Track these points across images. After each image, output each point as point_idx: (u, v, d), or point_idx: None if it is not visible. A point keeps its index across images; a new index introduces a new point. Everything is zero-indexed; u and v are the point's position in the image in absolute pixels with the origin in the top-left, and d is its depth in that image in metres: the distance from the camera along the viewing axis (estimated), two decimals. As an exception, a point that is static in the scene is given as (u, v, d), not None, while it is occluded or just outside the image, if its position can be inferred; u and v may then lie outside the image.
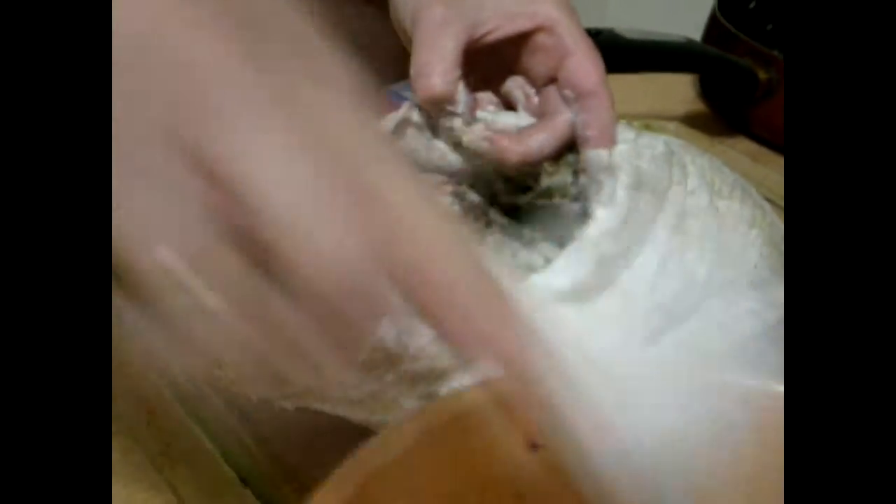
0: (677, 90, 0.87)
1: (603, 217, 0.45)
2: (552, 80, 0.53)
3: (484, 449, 0.32)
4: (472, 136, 0.50)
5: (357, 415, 0.43)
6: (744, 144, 0.82)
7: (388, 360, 0.42)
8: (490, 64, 0.55)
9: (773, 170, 0.64)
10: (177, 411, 0.41)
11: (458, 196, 0.54)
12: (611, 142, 0.50)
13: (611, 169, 0.47)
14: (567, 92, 0.52)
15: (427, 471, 0.31)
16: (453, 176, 0.54)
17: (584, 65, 0.51)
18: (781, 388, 0.33)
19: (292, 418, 0.45)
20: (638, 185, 0.47)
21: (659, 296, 0.47)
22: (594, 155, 0.48)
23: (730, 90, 0.82)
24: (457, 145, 0.52)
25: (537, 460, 0.32)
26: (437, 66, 0.49)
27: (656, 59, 0.77)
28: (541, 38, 0.52)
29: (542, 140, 0.51)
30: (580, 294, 0.45)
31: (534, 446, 0.32)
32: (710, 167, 0.55)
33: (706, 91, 0.85)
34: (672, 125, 0.67)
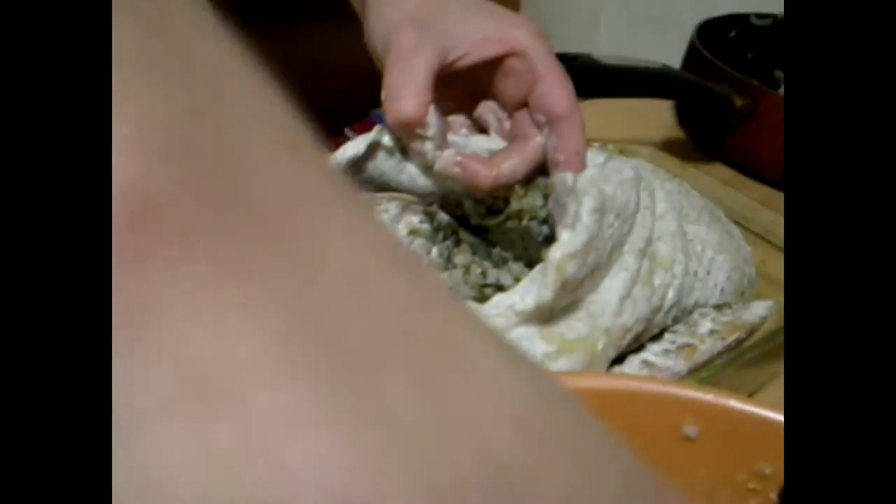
0: (654, 116, 0.89)
1: (567, 240, 0.45)
2: (524, 104, 0.54)
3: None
4: (444, 161, 0.51)
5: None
6: (719, 170, 0.82)
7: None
8: (462, 88, 0.56)
9: (743, 193, 0.66)
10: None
11: (429, 216, 0.54)
12: (581, 165, 0.50)
13: (575, 193, 0.47)
14: (538, 116, 0.52)
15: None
16: (424, 197, 0.54)
17: (555, 89, 0.52)
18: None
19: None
20: (603, 209, 0.48)
21: (625, 318, 0.48)
22: (559, 179, 0.48)
23: (706, 116, 0.83)
24: (427, 168, 0.52)
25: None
26: (407, 89, 0.50)
27: (633, 84, 0.78)
28: (512, 63, 0.53)
29: (513, 164, 0.51)
30: (545, 315, 0.45)
31: None
32: (679, 191, 0.56)
33: (683, 117, 0.86)
34: (647, 150, 0.69)
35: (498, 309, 0.45)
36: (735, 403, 0.34)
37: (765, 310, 0.52)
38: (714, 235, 0.56)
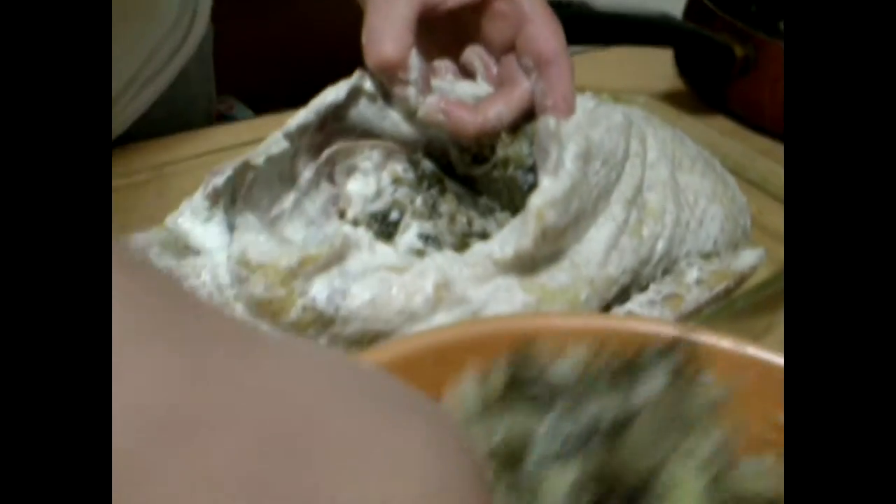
0: (654, 67, 0.86)
1: (548, 187, 0.44)
2: (511, 48, 0.52)
3: (444, 394, 0.31)
4: (428, 108, 0.49)
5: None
6: (720, 122, 0.80)
7: (319, 321, 0.41)
8: (449, 32, 0.54)
9: (740, 143, 0.63)
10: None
11: (413, 164, 0.53)
12: (569, 110, 0.49)
13: (558, 138, 0.45)
14: (526, 60, 0.51)
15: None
16: (407, 145, 0.53)
17: (543, 32, 0.50)
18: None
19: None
20: (588, 155, 0.46)
21: (611, 269, 0.46)
22: (542, 123, 0.47)
23: (706, 67, 0.81)
24: (411, 115, 0.51)
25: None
26: (387, 31, 0.48)
27: (629, 31, 0.76)
28: (499, 6, 0.51)
29: (499, 111, 0.50)
30: (525, 265, 0.44)
31: None
32: (672, 139, 0.54)
33: (682, 67, 0.84)
34: (642, 98, 0.66)
35: (475, 258, 0.43)
36: (753, 351, 0.33)
37: (755, 258, 0.50)
38: (708, 185, 0.54)
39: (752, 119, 0.80)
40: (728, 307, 0.48)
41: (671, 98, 0.82)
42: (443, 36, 0.54)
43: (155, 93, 0.72)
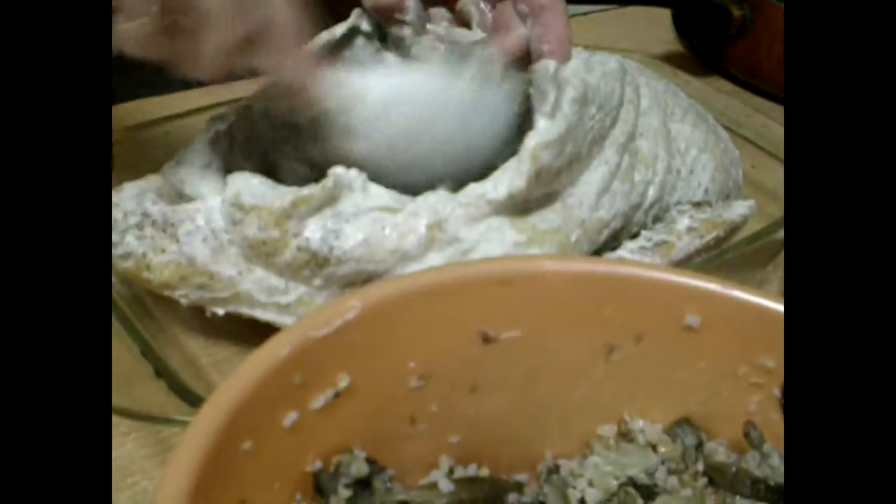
0: (653, 28, 0.86)
1: (543, 128, 0.44)
2: None
3: (433, 337, 0.31)
4: (421, 47, 0.49)
5: (285, 321, 0.43)
6: (718, 83, 0.81)
7: (313, 262, 0.41)
8: None
9: (736, 100, 0.63)
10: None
11: None
12: (566, 55, 0.48)
13: (556, 80, 0.45)
14: (521, 6, 0.50)
15: (369, 346, 0.30)
16: None
17: None
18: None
19: (221, 326, 0.45)
20: (585, 99, 0.46)
21: (602, 213, 0.46)
22: (541, 66, 0.47)
23: (703, 27, 0.81)
24: (405, 57, 0.51)
25: (491, 353, 0.32)
26: None
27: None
28: None
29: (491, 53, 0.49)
30: (518, 206, 0.44)
31: (486, 339, 0.32)
32: (665, 90, 0.54)
33: (680, 28, 0.84)
34: (637, 56, 0.66)
35: (469, 198, 0.43)
36: (739, 294, 0.33)
37: (746, 209, 0.51)
38: (699, 135, 0.54)
39: (748, 79, 0.81)
40: (718, 257, 0.48)
41: (669, 59, 0.82)
42: None
43: None
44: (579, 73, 0.47)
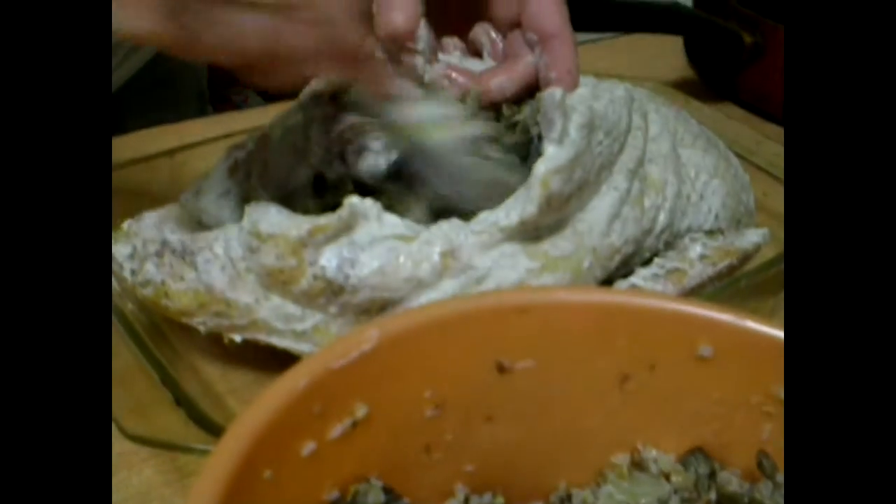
0: (664, 55, 0.87)
1: (552, 155, 0.44)
2: (517, 24, 0.52)
3: (448, 367, 0.32)
4: (433, 73, 0.50)
5: (302, 347, 0.43)
6: (730, 110, 0.81)
7: (329, 290, 0.42)
8: (458, 9, 0.55)
9: (747, 127, 0.64)
10: (115, 331, 0.41)
11: None
12: (573, 84, 0.49)
13: (563, 107, 0.46)
14: (530, 35, 0.51)
15: (386, 376, 0.30)
16: None
17: (547, 7, 0.51)
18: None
19: (238, 353, 0.45)
20: (592, 125, 0.46)
21: (614, 239, 0.47)
22: (548, 94, 0.47)
23: (715, 54, 0.82)
24: (417, 84, 0.51)
25: (506, 382, 0.32)
26: (398, 1, 0.48)
27: (639, 19, 0.76)
28: None
29: (501, 81, 0.50)
30: (529, 232, 0.44)
31: (501, 368, 0.32)
32: (675, 117, 0.55)
33: (692, 55, 0.85)
34: (649, 84, 0.66)
35: (482, 226, 0.44)
36: (752, 324, 0.33)
37: (759, 237, 0.51)
38: (709, 161, 0.55)
39: (761, 106, 0.81)
40: (731, 286, 0.48)
41: (680, 86, 0.82)
42: (452, 13, 0.54)
43: (140, 60, 0.73)
44: (586, 99, 0.48)
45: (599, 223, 0.46)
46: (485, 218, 0.44)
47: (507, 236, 0.43)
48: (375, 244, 0.42)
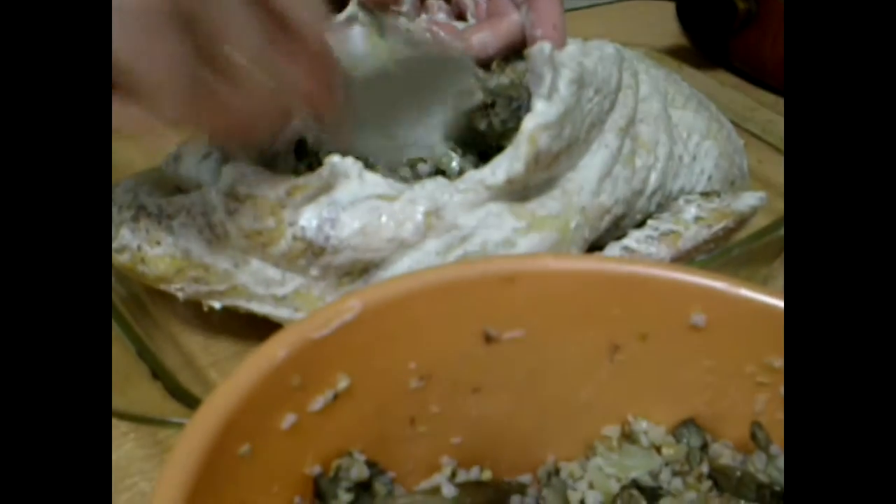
0: (656, 22, 0.86)
1: (541, 111, 0.43)
2: None
3: (434, 337, 0.31)
4: (416, 28, 0.49)
5: (282, 312, 0.42)
6: (722, 77, 0.80)
7: (309, 251, 0.41)
8: None
9: (741, 93, 0.63)
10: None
11: None
12: (560, 40, 0.48)
13: (552, 63, 0.45)
14: None
15: (369, 347, 0.30)
16: None
17: None
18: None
19: (220, 324, 0.44)
20: (582, 81, 0.45)
21: (604, 198, 0.46)
22: (536, 49, 0.46)
23: (708, 19, 0.80)
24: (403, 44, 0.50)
25: (493, 353, 0.32)
26: None
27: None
28: None
29: (483, 37, 0.49)
30: (517, 191, 0.43)
31: (488, 338, 0.31)
32: (665, 78, 0.54)
33: (684, 21, 0.83)
34: (642, 50, 0.65)
35: (467, 184, 0.42)
36: (746, 292, 0.32)
37: (756, 200, 0.50)
38: (701, 122, 0.54)
39: (753, 73, 0.80)
40: (724, 254, 0.47)
41: (673, 52, 0.81)
42: None
43: None
44: (575, 56, 0.47)
45: (589, 182, 0.45)
46: (471, 176, 0.42)
47: (493, 195, 0.42)
48: (357, 204, 0.41)
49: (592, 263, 0.33)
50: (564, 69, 0.45)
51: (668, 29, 0.85)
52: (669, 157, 0.50)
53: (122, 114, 0.33)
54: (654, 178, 0.49)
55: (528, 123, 0.43)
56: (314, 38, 0.38)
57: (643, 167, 0.48)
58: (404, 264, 0.41)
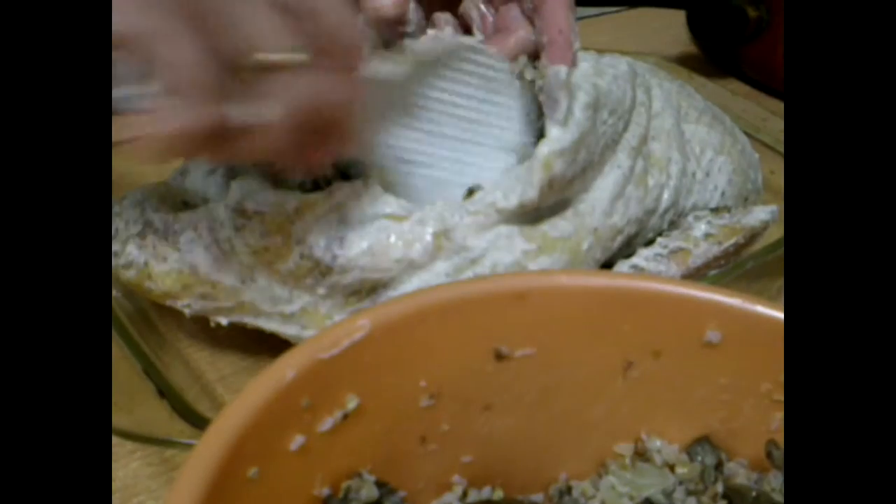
0: (667, 30, 0.85)
1: (556, 137, 0.43)
2: None
3: (444, 355, 0.31)
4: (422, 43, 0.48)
5: (289, 330, 0.42)
6: (733, 85, 0.80)
7: (316, 270, 0.40)
8: None
9: (753, 103, 0.62)
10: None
11: None
12: (565, 46, 0.46)
13: (568, 87, 0.44)
14: (527, 3, 0.49)
15: (378, 366, 0.29)
16: None
17: None
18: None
19: (227, 340, 0.44)
20: (597, 104, 0.45)
21: (616, 219, 0.45)
22: (553, 72, 0.45)
23: (719, 28, 0.80)
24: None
25: (504, 370, 0.31)
26: None
27: (643, -7, 0.75)
28: None
29: None
30: (529, 215, 0.43)
31: (499, 356, 0.31)
32: (679, 92, 0.53)
33: (695, 30, 0.83)
34: (652, 59, 0.65)
35: (478, 206, 0.42)
36: (762, 308, 0.32)
37: (768, 214, 0.49)
38: (715, 137, 0.53)
39: (764, 81, 0.80)
40: (737, 267, 0.47)
41: (683, 61, 0.81)
42: None
43: None
44: (589, 77, 0.46)
45: (602, 203, 0.45)
46: (481, 198, 0.42)
47: (504, 218, 0.42)
48: (366, 223, 0.41)
49: (605, 280, 0.33)
50: (580, 92, 0.44)
51: (679, 37, 0.85)
52: (682, 174, 0.49)
53: (126, 124, 0.32)
54: (666, 196, 0.48)
55: (543, 149, 0.42)
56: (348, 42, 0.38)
57: (656, 186, 0.48)
58: (413, 285, 0.41)
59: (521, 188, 0.42)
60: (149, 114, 0.33)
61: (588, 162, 0.44)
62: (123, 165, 0.53)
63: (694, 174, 0.50)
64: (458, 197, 0.44)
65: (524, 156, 0.45)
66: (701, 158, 0.51)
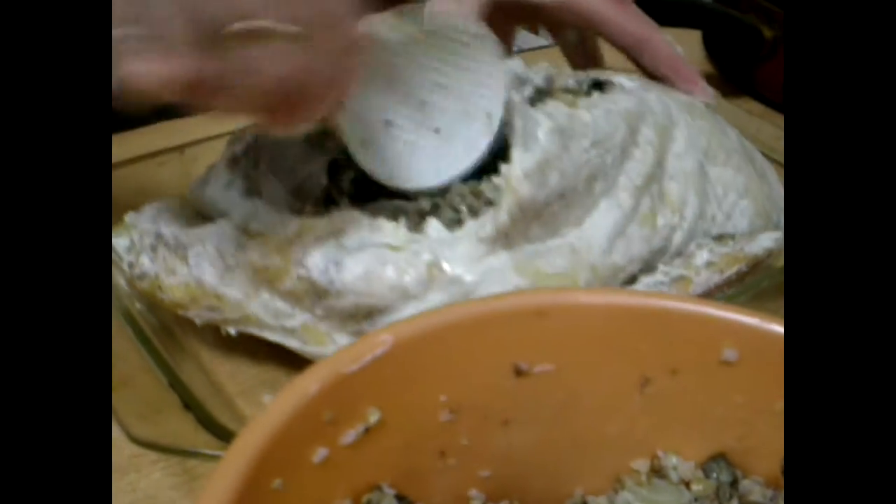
0: (683, 49, 0.85)
1: (517, 159, 0.43)
2: None
3: (464, 370, 0.31)
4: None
5: (292, 343, 0.43)
6: (748, 105, 0.80)
7: (313, 292, 0.41)
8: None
9: (769, 123, 0.62)
10: (123, 333, 0.41)
11: None
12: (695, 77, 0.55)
13: (521, 111, 0.45)
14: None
15: (400, 380, 0.30)
16: None
17: None
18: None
19: (248, 352, 0.45)
20: (570, 131, 0.45)
21: (616, 258, 0.45)
22: (510, 100, 0.46)
23: (734, 48, 0.80)
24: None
25: (523, 386, 0.32)
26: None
27: (657, 13, 0.75)
28: None
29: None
30: (512, 242, 0.43)
31: (519, 372, 0.32)
32: (711, 130, 0.53)
33: (711, 49, 0.83)
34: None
35: (464, 234, 0.43)
36: (778, 328, 0.32)
37: (771, 241, 0.49)
38: (741, 180, 0.52)
39: (780, 101, 0.79)
40: (753, 286, 0.47)
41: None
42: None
43: None
44: (560, 107, 0.47)
45: (599, 241, 0.45)
46: (468, 228, 0.43)
47: (489, 248, 0.42)
48: (363, 249, 0.41)
49: (624, 298, 0.33)
50: (542, 117, 0.45)
51: (694, 57, 0.85)
52: (699, 216, 0.49)
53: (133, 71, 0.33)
54: (678, 237, 0.48)
55: (506, 173, 0.43)
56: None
57: (665, 226, 0.47)
58: (408, 315, 0.41)
59: (493, 214, 0.42)
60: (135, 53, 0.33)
61: (565, 188, 0.44)
62: (146, 175, 0.54)
63: (713, 217, 0.50)
64: (430, 163, 0.45)
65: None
66: (723, 201, 0.51)
